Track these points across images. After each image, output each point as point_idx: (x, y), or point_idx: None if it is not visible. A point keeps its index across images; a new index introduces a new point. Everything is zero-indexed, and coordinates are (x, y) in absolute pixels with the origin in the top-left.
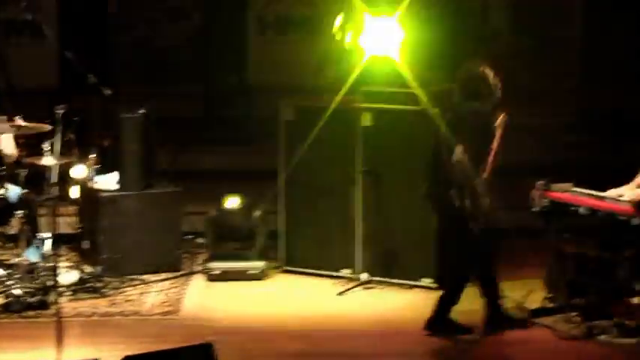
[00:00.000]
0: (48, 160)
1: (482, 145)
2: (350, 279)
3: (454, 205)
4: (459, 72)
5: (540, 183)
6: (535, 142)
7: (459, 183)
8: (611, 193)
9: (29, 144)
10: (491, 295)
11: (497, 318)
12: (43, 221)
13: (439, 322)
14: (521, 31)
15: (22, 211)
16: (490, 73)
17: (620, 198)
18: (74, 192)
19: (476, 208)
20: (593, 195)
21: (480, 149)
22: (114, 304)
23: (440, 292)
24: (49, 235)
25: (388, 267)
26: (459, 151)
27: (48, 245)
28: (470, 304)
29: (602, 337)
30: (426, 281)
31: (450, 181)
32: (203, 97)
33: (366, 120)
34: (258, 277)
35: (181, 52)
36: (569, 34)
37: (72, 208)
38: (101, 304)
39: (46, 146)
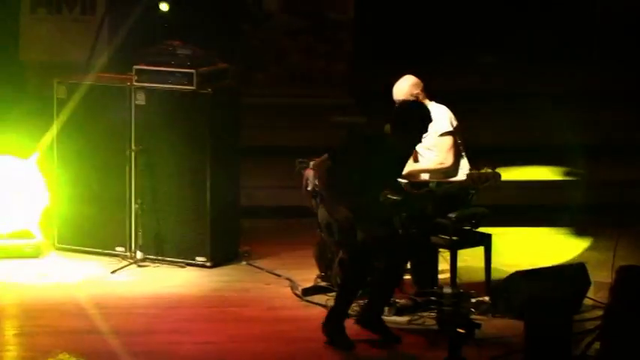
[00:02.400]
0: None
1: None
2: (124, 257)
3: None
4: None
5: (313, 163)
6: (308, 122)
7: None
8: None
9: None
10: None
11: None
12: None
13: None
14: (295, 12)
15: None
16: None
17: None
18: None
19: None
20: None
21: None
22: None
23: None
24: None
25: (162, 245)
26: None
27: None
28: None
29: None
30: (201, 259)
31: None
32: None
33: (140, 98)
34: (33, 254)
35: None
36: (343, 17)
37: None
38: None
39: None
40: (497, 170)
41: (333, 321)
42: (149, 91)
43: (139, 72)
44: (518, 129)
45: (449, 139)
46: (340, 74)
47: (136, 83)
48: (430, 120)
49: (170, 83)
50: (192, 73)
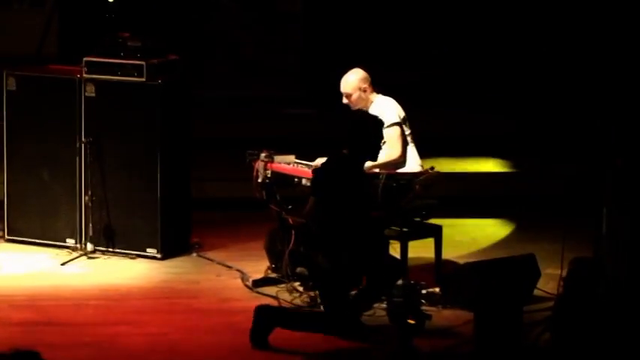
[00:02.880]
0: None
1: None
2: (74, 249)
3: None
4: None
5: (264, 155)
6: (258, 114)
7: None
8: (319, 161)
9: None
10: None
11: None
12: None
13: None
14: (247, 6)
15: None
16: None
17: None
18: None
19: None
20: (314, 167)
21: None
22: None
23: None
24: None
25: (113, 237)
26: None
27: None
28: None
29: None
30: (151, 251)
31: None
32: None
33: (90, 90)
34: None
35: None
36: (293, 9)
37: None
38: None
39: None
40: (435, 169)
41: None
42: (99, 83)
43: (89, 64)
44: (466, 120)
45: (396, 130)
46: (291, 66)
47: (85, 75)
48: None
49: (120, 75)
50: (142, 65)
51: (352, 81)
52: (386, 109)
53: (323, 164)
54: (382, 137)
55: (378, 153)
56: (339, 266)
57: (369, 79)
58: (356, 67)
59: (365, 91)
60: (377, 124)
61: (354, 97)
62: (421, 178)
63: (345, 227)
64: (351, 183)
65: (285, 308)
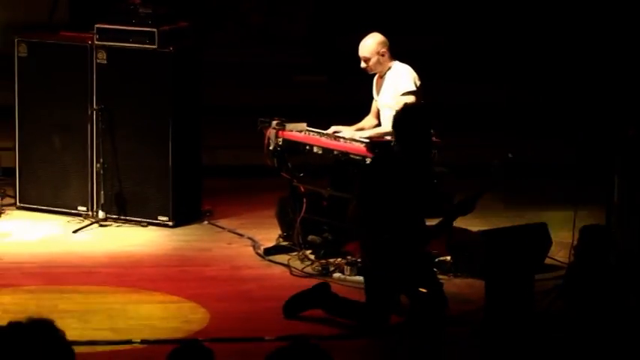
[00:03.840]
0: None
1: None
2: (86, 216)
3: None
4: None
5: (275, 122)
6: (269, 81)
7: None
8: (332, 129)
9: None
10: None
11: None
12: None
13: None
14: None
15: None
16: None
17: (353, 137)
18: None
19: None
20: (326, 135)
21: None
22: None
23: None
24: None
25: (124, 205)
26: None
27: None
28: None
29: (336, 275)
30: (163, 219)
31: None
32: None
33: (101, 57)
34: None
35: None
36: None
37: None
38: None
39: None
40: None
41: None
42: (110, 50)
43: (101, 31)
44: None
45: (410, 99)
46: (300, 33)
47: (97, 42)
48: (431, 122)
49: (131, 42)
50: (153, 32)
51: (370, 45)
52: (402, 76)
53: (369, 164)
54: (431, 128)
55: (430, 147)
56: (384, 272)
57: (388, 43)
58: (374, 32)
59: (383, 55)
60: (426, 114)
61: (373, 61)
62: (498, 166)
63: (393, 236)
64: (401, 184)
65: (337, 296)
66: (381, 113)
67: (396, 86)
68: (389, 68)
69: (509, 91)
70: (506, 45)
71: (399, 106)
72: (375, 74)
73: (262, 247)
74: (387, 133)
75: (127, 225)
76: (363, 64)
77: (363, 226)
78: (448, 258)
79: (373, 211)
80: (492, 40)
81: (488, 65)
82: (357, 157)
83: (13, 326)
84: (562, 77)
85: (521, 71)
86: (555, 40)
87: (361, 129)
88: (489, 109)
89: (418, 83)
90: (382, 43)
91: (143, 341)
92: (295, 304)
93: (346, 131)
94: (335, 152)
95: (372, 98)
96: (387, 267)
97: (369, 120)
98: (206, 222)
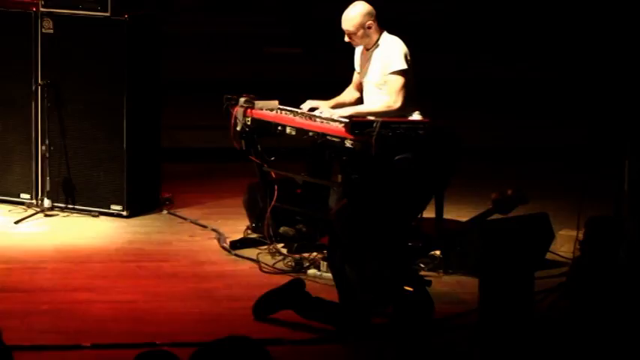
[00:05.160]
0: None
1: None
2: (30, 205)
3: None
4: None
5: (243, 100)
6: (238, 53)
7: None
8: (307, 104)
9: None
10: None
11: None
12: None
13: None
14: None
15: None
16: None
17: (331, 117)
18: None
19: None
20: (300, 114)
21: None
22: None
23: None
24: None
25: (73, 192)
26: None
27: None
28: None
29: (311, 272)
30: (116, 208)
31: None
32: None
33: (47, 26)
34: None
35: None
36: None
37: None
38: None
39: None
40: (522, 192)
41: None
42: (58, 18)
43: None
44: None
45: (400, 79)
46: (273, 1)
47: (43, 9)
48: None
49: (81, 9)
50: None
51: (354, 16)
52: (394, 52)
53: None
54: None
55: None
56: (365, 278)
57: (374, 13)
58: (358, 0)
59: (370, 27)
60: (452, 143)
61: (358, 35)
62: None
63: (378, 239)
64: (394, 191)
65: (309, 295)
66: (365, 90)
67: (385, 63)
68: (377, 41)
69: (513, 66)
70: (511, 16)
71: (387, 86)
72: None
73: (228, 241)
74: (370, 113)
75: (76, 215)
76: (346, 39)
77: (349, 230)
78: (438, 252)
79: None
80: (495, 11)
81: (492, 37)
82: (336, 139)
83: None
84: (573, 57)
85: (526, 45)
86: (569, 17)
87: (341, 103)
88: (491, 86)
89: (409, 59)
90: (368, 14)
91: (94, 345)
92: (266, 305)
93: (324, 107)
94: (310, 133)
95: (352, 71)
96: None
97: (349, 92)
98: (165, 212)
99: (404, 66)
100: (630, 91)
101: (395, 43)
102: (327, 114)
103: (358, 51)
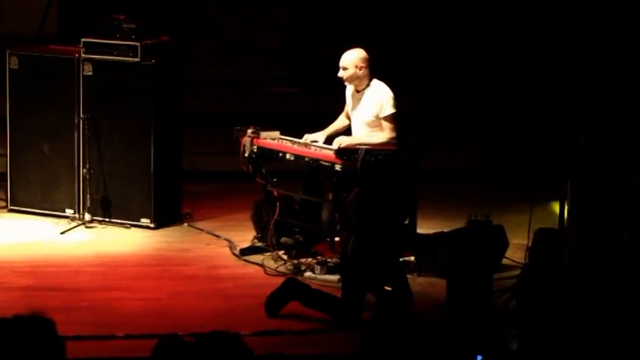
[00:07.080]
0: None
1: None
2: (73, 218)
3: None
4: None
5: (250, 130)
6: (245, 92)
7: None
8: (307, 137)
9: None
10: None
11: None
12: None
13: None
14: None
15: None
16: None
17: (323, 145)
18: None
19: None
20: (298, 142)
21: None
22: None
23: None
24: None
25: (109, 208)
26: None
27: None
28: None
29: (307, 274)
30: (145, 221)
31: None
32: None
33: (87, 69)
34: None
35: None
36: None
37: None
38: None
39: None
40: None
41: None
42: (96, 63)
43: (87, 44)
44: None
45: (394, 120)
46: (276, 46)
47: (83, 55)
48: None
49: (116, 55)
50: (136, 46)
51: (352, 57)
52: (386, 98)
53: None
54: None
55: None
56: (366, 256)
57: (369, 60)
58: (358, 47)
59: (361, 69)
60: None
61: (349, 72)
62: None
63: (381, 227)
64: (396, 186)
65: (309, 286)
66: (354, 125)
67: (380, 107)
68: (367, 85)
69: (481, 99)
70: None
71: (384, 125)
72: (349, 87)
73: (238, 248)
74: (360, 144)
75: (111, 226)
76: (340, 73)
77: (358, 214)
78: (412, 258)
79: (369, 204)
80: (460, 48)
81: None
82: (327, 164)
83: (17, 319)
84: (525, 86)
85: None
86: (520, 48)
87: (335, 130)
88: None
89: (395, 102)
90: (363, 59)
91: (126, 336)
92: (274, 303)
93: (321, 138)
94: (306, 159)
95: (342, 109)
96: (371, 263)
97: (342, 120)
98: (186, 224)
99: (394, 110)
100: (571, 120)
101: (385, 90)
102: (321, 142)
103: (349, 90)
